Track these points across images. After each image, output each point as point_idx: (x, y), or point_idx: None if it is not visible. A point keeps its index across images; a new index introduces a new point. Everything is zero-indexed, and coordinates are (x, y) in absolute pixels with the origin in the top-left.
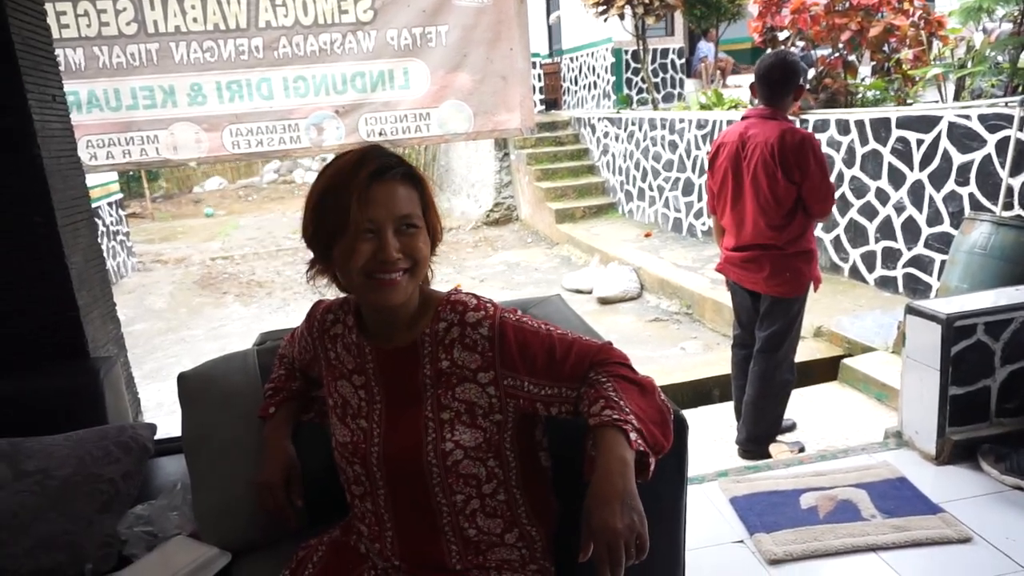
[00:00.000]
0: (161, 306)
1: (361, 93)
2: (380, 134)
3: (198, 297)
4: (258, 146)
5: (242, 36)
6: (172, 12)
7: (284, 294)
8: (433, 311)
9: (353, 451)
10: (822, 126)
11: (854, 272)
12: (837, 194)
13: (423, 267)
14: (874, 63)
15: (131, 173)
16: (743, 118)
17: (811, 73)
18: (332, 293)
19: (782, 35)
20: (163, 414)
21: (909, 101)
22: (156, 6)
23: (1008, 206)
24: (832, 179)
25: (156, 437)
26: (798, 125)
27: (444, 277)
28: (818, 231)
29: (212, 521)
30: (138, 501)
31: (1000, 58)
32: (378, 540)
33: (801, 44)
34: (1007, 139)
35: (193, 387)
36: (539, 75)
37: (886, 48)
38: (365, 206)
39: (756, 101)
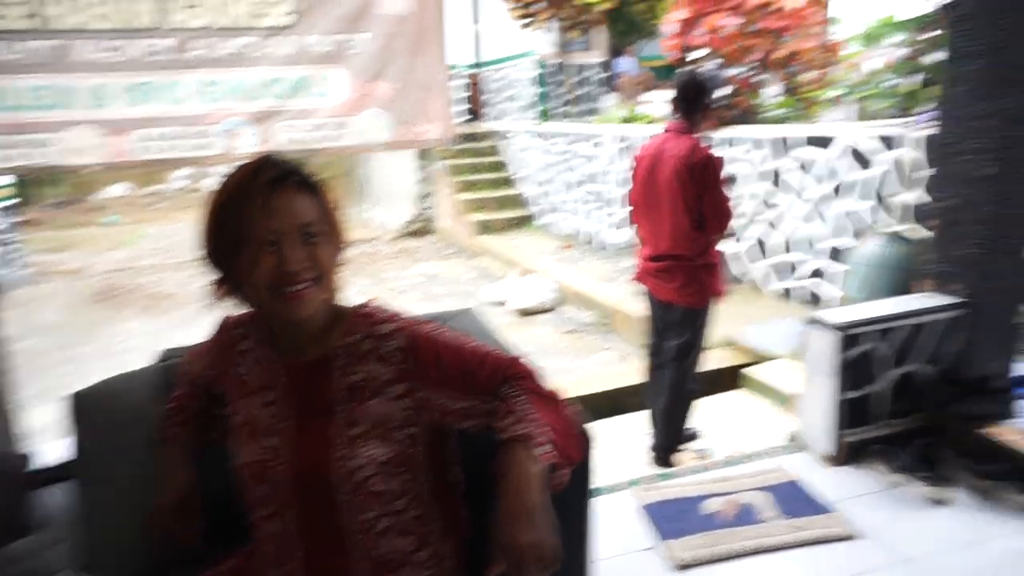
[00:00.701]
0: (54, 320)
1: (278, 100)
2: (297, 142)
3: (96, 311)
4: (167, 152)
5: (151, 36)
6: (75, 8)
7: (190, 308)
8: (345, 323)
9: (261, 470)
10: (728, 143)
11: (759, 284)
12: (741, 208)
13: (330, 276)
14: (784, 83)
15: (27, 177)
16: (665, 131)
17: (723, 91)
18: (242, 308)
19: (696, 54)
20: (48, 440)
21: (812, 120)
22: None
23: (903, 220)
24: (736, 194)
25: (39, 466)
26: (707, 142)
27: (362, 289)
28: (723, 245)
29: (104, 554)
30: (16, 536)
31: (895, 81)
32: (284, 564)
33: (715, 63)
34: (902, 157)
35: (88, 408)
36: (466, 84)
37: (792, 69)
38: (265, 218)
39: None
